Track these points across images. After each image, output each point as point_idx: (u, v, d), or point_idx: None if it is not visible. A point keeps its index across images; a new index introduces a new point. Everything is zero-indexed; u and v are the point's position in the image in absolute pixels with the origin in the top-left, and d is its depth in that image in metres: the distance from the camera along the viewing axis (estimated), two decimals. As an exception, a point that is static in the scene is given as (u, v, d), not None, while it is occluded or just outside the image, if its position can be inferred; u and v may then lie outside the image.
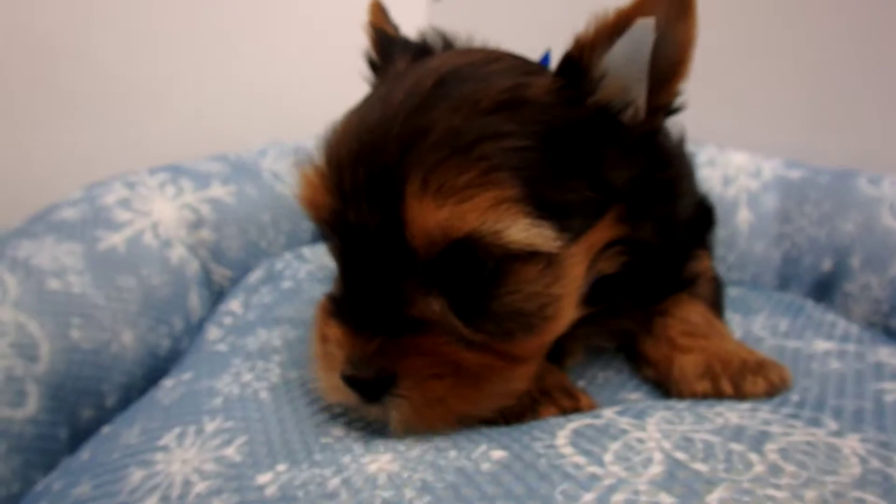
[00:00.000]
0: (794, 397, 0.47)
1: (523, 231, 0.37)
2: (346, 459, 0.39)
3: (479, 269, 0.39)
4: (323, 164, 0.41)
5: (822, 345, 0.58)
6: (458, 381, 0.40)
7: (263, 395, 0.46)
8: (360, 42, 0.56)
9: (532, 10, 1.11)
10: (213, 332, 0.69)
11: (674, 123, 0.56)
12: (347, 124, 0.42)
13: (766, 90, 1.00)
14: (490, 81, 0.41)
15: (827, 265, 0.81)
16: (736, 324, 0.65)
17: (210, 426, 0.43)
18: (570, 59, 0.43)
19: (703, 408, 0.43)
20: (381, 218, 0.38)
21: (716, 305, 0.59)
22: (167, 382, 0.53)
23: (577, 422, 0.41)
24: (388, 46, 0.54)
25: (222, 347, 0.57)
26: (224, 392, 0.47)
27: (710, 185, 0.87)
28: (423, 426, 0.40)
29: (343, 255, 0.42)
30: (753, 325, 0.65)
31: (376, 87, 0.48)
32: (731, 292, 0.74)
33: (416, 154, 0.37)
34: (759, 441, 0.38)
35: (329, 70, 1.10)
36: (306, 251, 0.92)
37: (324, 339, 0.42)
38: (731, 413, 0.42)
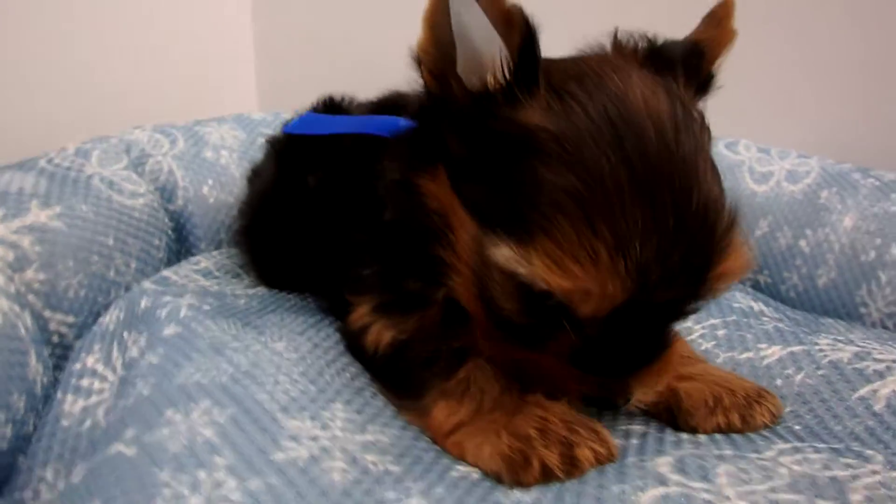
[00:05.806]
0: (796, 427, 0.47)
1: None
2: None
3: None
4: (608, 252, 0.36)
5: (767, 351, 0.58)
6: None
7: None
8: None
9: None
10: (74, 405, 0.52)
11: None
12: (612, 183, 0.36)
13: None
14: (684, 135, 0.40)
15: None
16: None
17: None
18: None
19: (751, 453, 0.40)
20: (688, 290, 0.39)
21: None
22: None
23: (650, 491, 0.35)
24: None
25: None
26: None
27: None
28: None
29: (605, 326, 0.39)
30: (692, 331, 0.64)
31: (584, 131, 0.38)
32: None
33: (715, 224, 0.38)
34: (840, 491, 0.35)
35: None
36: (170, 274, 0.74)
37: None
38: (784, 458, 0.39)
